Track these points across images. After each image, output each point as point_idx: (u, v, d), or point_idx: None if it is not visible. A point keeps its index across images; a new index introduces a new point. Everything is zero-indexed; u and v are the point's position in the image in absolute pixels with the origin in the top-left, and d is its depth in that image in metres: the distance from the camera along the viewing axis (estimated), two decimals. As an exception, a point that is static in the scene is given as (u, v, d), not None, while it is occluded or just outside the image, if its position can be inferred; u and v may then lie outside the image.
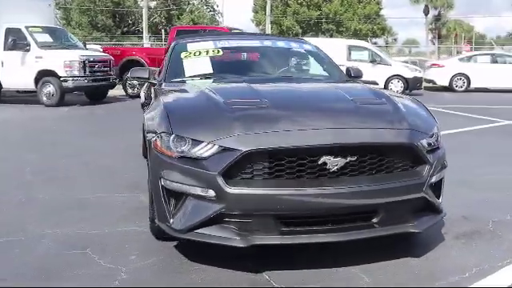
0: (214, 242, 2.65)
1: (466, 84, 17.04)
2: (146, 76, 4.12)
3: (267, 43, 4.62)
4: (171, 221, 2.74)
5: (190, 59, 4.19)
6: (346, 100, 3.14)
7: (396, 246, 3.03)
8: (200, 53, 4.24)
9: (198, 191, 2.63)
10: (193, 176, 2.64)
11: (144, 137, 3.60)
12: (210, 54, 4.24)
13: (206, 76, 3.98)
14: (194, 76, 3.99)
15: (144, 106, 5.13)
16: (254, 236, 2.62)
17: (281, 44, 4.68)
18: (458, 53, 29.69)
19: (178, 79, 3.96)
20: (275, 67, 4.38)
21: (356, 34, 37.93)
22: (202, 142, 2.66)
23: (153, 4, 36.87)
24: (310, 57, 4.60)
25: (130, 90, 14.25)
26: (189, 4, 39.58)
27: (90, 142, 6.80)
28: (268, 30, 32.85)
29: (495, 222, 3.58)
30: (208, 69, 4.09)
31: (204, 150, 2.64)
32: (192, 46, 4.35)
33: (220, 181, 2.55)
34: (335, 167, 2.63)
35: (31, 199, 4.13)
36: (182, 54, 4.24)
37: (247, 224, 2.63)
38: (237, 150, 2.56)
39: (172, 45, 4.48)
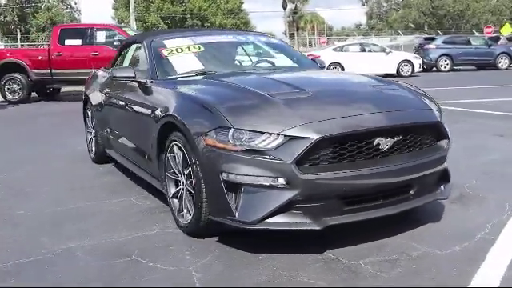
0: (289, 229, 2.76)
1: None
2: (132, 75, 3.97)
3: (241, 38, 4.71)
4: (236, 214, 2.77)
5: (174, 56, 4.12)
6: (372, 86, 3.43)
7: (409, 218, 3.36)
8: (182, 49, 4.18)
9: (268, 181, 2.70)
10: (261, 167, 2.70)
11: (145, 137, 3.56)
12: (193, 50, 4.21)
13: (199, 72, 3.96)
14: (187, 73, 3.94)
15: (96, 106, 5.02)
16: (324, 218, 2.77)
17: (251, 38, 4.80)
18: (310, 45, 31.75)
19: (172, 76, 3.89)
20: (260, 59, 4.50)
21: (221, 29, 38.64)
22: (265, 133, 2.73)
23: (3, 1, 33.70)
24: (284, 48, 4.80)
25: (9, 96, 13.08)
26: (43, 1, 36.87)
27: (21, 151, 6.23)
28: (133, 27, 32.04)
29: (469, 186, 4.13)
30: (198, 65, 4.07)
31: (269, 141, 2.72)
32: (170, 43, 4.27)
33: (294, 169, 2.66)
34: (386, 147, 2.89)
35: (14, 216, 3.76)
36: (164, 51, 4.15)
37: (313, 208, 2.77)
38: (308, 137, 2.68)
39: (146, 42, 4.33)
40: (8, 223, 3.63)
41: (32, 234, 3.37)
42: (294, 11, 47.42)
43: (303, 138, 2.69)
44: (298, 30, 46.41)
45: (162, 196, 3.90)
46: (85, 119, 5.75)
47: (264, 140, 2.73)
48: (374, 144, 2.86)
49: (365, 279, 2.58)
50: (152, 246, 3.08)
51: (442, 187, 3.28)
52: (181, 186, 3.27)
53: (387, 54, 19.50)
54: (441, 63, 21.48)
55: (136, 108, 3.95)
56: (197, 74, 3.92)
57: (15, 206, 4.02)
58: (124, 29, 13.57)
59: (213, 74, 3.92)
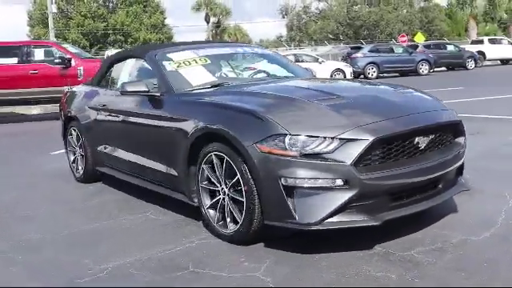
0: (348, 227, 2.89)
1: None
2: (146, 89, 3.94)
3: (240, 49, 4.82)
4: (297, 217, 2.87)
5: (184, 69, 4.13)
6: (394, 90, 3.67)
7: (429, 211, 3.59)
8: (190, 62, 4.21)
9: (327, 183, 2.83)
10: (320, 170, 2.82)
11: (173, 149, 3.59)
12: (200, 62, 4.25)
13: (214, 84, 4.01)
14: (202, 85, 3.97)
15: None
16: (379, 214, 2.94)
17: (249, 49, 4.93)
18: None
19: (188, 89, 3.91)
20: (266, 70, 4.62)
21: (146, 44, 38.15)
22: (321, 137, 2.87)
23: None
24: (280, 59, 4.96)
25: None
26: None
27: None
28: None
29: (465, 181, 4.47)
30: (210, 77, 4.12)
31: (326, 145, 2.85)
32: (175, 56, 4.28)
33: (353, 169, 2.81)
34: (423, 145, 3.12)
35: (33, 241, 3.59)
36: (173, 65, 4.16)
37: (366, 205, 2.93)
38: (363, 139, 2.84)
39: (150, 56, 4.31)
40: (31, 249, 3.46)
41: (66, 257, 3.26)
42: (217, 25, 47.86)
43: (359, 140, 2.85)
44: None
45: (180, 209, 3.92)
46: (65, 139, 5.55)
47: (320, 144, 2.86)
48: (415, 143, 3.08)
49: (424, 267, 2.77)
50: (202, 257, 3.09)
51: (462, 180, 3.56)
52: (220, 196, 3.30)
53: (320, 63, 20.29)
54: (368, 71, 22.61)
55: (152, 122, 3.91)
56: (212, 86, 3.97)
57: (26, 231, 3.83)
58: (63, 45, 13.12)
59: (231, 85, 3.99)
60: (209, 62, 4.29)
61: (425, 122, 3.20)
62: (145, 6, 40.17)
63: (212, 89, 3.91)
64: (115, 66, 5.00)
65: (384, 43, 30.57)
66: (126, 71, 4.72)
